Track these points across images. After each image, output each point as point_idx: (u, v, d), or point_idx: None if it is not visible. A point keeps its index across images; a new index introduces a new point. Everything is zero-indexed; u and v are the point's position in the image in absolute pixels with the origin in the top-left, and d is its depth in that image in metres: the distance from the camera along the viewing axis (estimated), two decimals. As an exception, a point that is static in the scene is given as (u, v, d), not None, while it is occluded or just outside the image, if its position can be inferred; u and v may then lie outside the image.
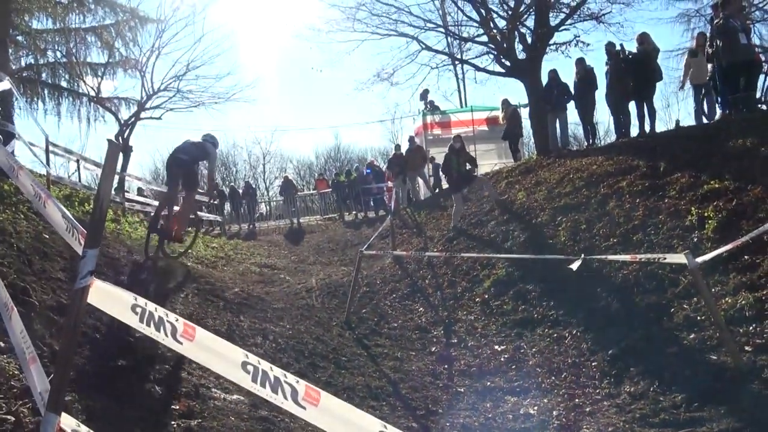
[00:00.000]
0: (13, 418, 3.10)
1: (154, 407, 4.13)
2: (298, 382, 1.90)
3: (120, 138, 19.57)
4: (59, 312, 4.74)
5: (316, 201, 24.98)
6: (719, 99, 11.13)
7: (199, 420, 4.19)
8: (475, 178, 12.39)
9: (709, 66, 11.36)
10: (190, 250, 10.68)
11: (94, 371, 4.30)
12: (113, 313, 2.31)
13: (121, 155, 19.38)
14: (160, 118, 21.10)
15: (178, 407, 4.29)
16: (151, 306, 2.20)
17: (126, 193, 15.28)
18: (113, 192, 13.73)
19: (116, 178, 16.82)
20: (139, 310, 2.21)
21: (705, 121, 11.80)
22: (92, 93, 19.92)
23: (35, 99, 18.83)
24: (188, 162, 9.10)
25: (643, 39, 11.89)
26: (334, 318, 8.81)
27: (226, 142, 51.53)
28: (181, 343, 2.11)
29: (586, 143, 14.08)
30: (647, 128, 11.93)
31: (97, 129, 20.93)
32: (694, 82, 12.03)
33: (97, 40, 19.45)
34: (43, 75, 19.18)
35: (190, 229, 10.70)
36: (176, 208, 9.41)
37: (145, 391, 4.33)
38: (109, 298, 2.32)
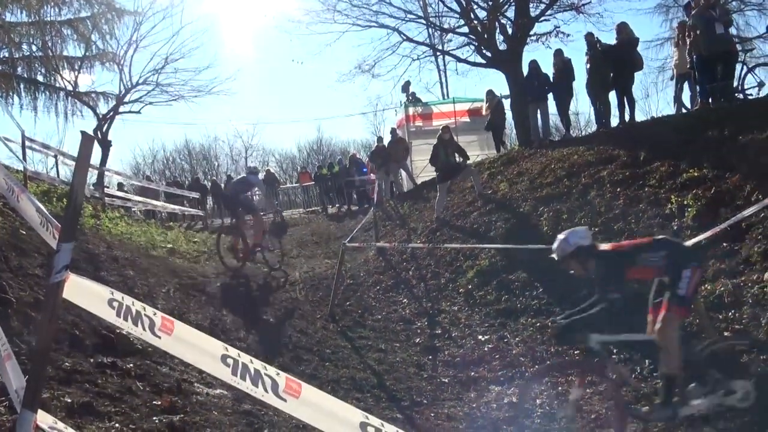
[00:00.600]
0: (-11, 417, 3.05)
1: (136, 403, 4.09)
2: (278, 374, 1.88)
3: (99, 132, 19.29)
4: (37, 308, 4.66)
5: (299, 194, 24.83)
6: (698, 88, 11.21)
7: (182, 415, 4.15)
8: (463, 169, 12.34)
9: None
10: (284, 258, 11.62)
11: (74, 368, 4.24)
12: (89, 307, 2.27)
13: (100, 150, 19.14)
14: (139, 112, 20.80)
15: (160, 403, 4.24)
16: (128, 300, 2.16)
17: (106, 189, 15.09)
18: (93, 187, 13.59)
19: (96, 173, 16.65)
20: (116, 304, 2.17)
21: (685, 110, 11.91)
22: (69, 87, 19.59)
23: (11, 94, 18.50)
24: (229, 197, 11.84)
25: (621, 29, 11.95)
26: (317, 311, 8.79)
27: (207, 136, 51.05)
28: (160, 337, 2.08)
29: (565, 133, 14.08)
30: (627, 118, 12.01)
31: (75, 124, 20.57)
32: (677, 72, 12.11)
33: (73, 33, 19.14)
34: (19, 69, 18.82)
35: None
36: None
37: (126, 386, 4.27)
38: (86, 293, 2.28)
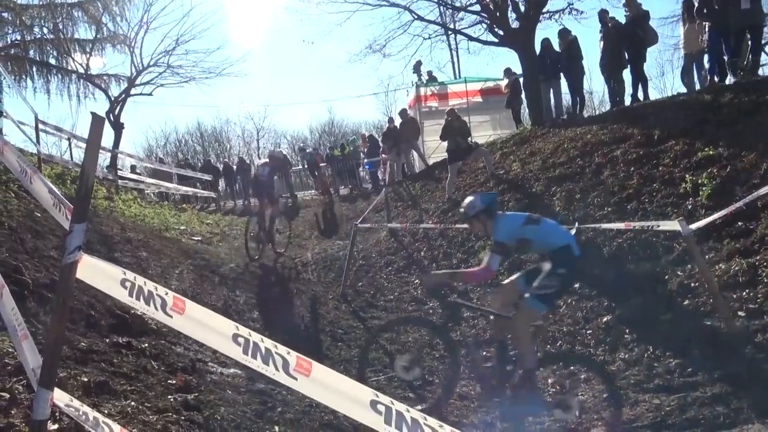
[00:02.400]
0: (8, 395, 3.11)
1: (151, 382, 4.14)
2: (289, 353, 1.89)
3: (111, 115, 19.38)
4: (53, 289, 4.72)
5: (311, 176, 24.80)
6: (709, 66, 10.99)
7: (196, 394, 4.20)
8: (474, 149, 12.27)
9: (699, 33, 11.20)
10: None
11: (90, 347, 4.30)
12: (103, 287, 2.29)
13: (112, 132, 19.24)
14: (150, 94, 20.89)
15: (174, 382, 4.29)
16: (140, 280, 2.18)
17: (119, 171, 15.19)
18: (106, 170, 13.68)
19: (109, 155, 16.74)
20: (128, 284, 2.18)
21: (693, 88, 11.71)
22: (81, 70, 19.68)
23: (23, 77, 18.60)
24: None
25: (629, 3, 11.75)
26: (330, 291, 8.83)
27: (219, 118, 51.09)
28: (171, 317, 2.09)
29: (573, 113, 13.74)
30: (640, 96, 11.86)
31: (88, 106, 20.73)
32: (685, 51, 11.91)
33: (84, 15, 19.16)
34: (31, 52, 18.91)
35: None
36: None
37: (141, 366, 4.33)
38: (99, 273, 2.29)
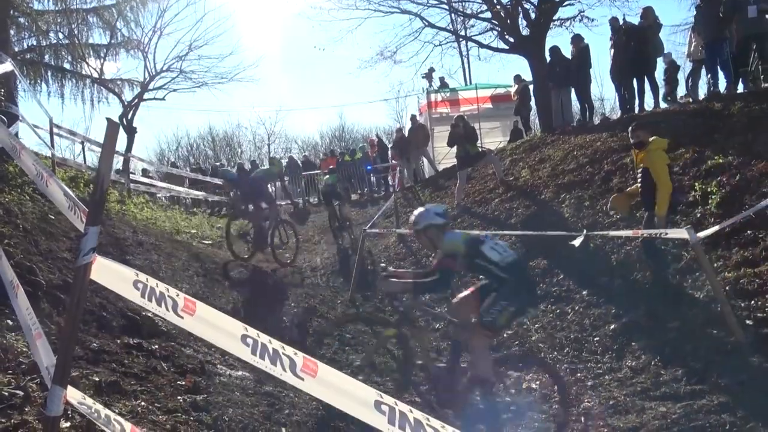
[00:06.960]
0: (22, 393, 3.17)
1: (161, 383, 4.20)
2: (296, 354, 1.93)
3: (124, 119, 19.56)
4: (66, 291, 4.80)
5: (321, 181, 24.85)
6: (710, 76, 11.01)
7: (205, 395, 4.25)
8: (483, 155, 12.29)
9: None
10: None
11: (102, 348, 4.37)
12: (116, 289, 2.34)
13: (125, 137, 19.41)
14: (163, 99, 21.04)
15: (184, 383, 4.35)
16: (152, 282, 2.23)
17: (131, 175, 15.31)
18: (118, 173, 13.81)
19: (122, 159, 16.90)
20: (140, 285, 2.23)
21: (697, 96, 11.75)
22: (95, 75, 19.86)
23: (38, 81, 18.78)
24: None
25: (646, 15, 11.77)
26: (338, 296, 8.88)
27: (231, 122, 51.33)
28: (182, 318, 2.14)
29: (582, 120, 13.67)
30: (651, 104, 11.86)
31: (101, 111, 20.89)
32: (693, 58, 11.94)
33: (99, 21, 19.32)
34: (46, 57, 19.11)
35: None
36: None
37: (152, 367, 4.39)
38: (112, 275, 2.35)
